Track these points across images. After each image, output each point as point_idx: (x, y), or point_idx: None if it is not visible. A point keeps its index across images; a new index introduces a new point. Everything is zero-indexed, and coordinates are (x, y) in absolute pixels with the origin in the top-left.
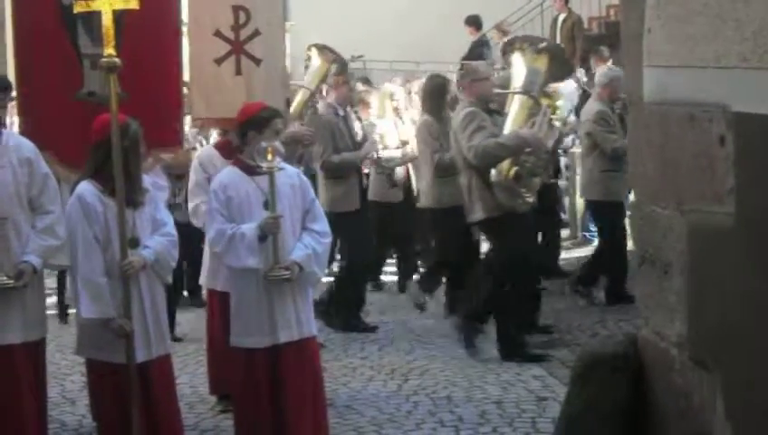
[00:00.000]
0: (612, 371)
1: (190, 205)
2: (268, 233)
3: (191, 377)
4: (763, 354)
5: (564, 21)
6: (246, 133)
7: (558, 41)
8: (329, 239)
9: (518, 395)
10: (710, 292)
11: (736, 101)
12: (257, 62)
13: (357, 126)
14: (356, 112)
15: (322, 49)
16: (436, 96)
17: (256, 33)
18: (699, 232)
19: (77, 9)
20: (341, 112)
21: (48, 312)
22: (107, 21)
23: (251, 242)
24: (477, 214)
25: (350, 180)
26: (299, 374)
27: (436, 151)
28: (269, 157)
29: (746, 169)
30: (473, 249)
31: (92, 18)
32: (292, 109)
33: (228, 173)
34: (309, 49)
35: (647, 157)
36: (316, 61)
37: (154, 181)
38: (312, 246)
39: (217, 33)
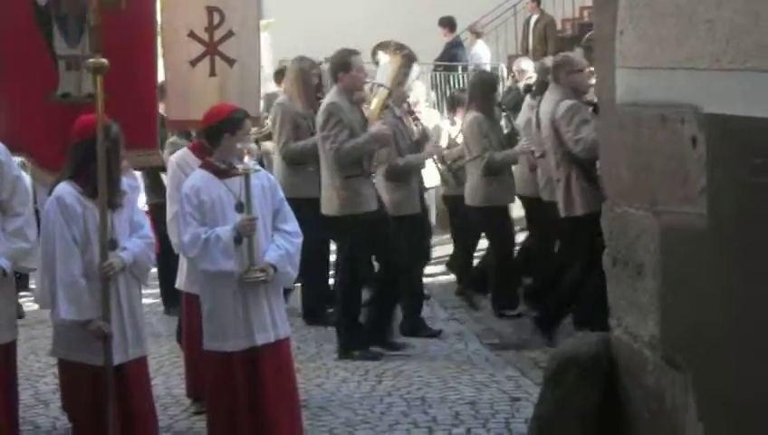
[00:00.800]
0: (585, 371)
1: (170, 211)
2: (244, 235)
3: (166, 378)
4: (735, 355)
5: (537, 22)
6: (221, 135)
7: (530, 42)
8: (300, 239)
9: (492, 396)
10: (682, 293)
11: (708, 103)
12: (231, 62)
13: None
14: (412, 114)
15: (387, 45)
16: (486, 92)
17: (230, 33)
18: (672, 233)
19: (64, 9)
20: (398, 113)
21: None
22: (95, 22)
23: (227, 245)
24: (576, 210)
25: (411, 183)
26: (277, 376)
27: (486, 149)
28: (245, 158)
29: (718, 170)
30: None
31: (67, 19)
32: (370, 109)
33: (199, 176)
34: (374, 54)
35: (619, 158)
36: (384, 58)
37: (128, 182)
38: (284, 247)
39: (191, 35)
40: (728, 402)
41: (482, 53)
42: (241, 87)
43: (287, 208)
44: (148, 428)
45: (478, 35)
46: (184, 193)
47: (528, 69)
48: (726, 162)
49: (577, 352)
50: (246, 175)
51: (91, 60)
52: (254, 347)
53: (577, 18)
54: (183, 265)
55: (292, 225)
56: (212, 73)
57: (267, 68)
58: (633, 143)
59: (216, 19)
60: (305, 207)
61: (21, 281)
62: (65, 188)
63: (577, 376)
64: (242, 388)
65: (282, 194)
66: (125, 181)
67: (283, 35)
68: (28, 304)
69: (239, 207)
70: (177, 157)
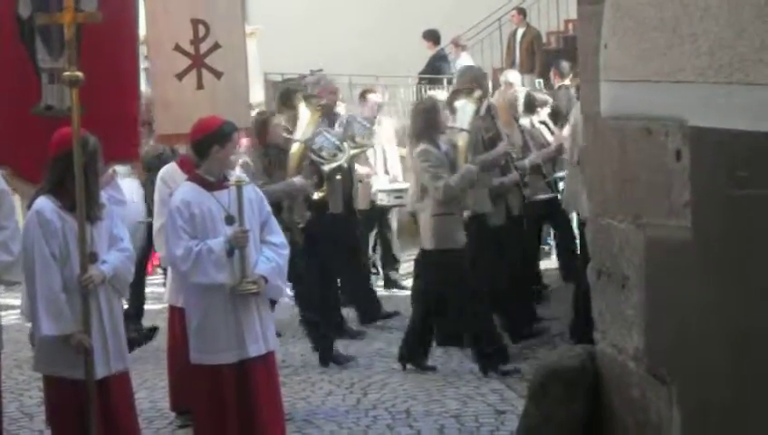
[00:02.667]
0: (570, 384)
1: (156, 224)
2: (236, 247)
3: (150, 392)
4: (719, 367)
5: (523, 36)
6: (210, 147)
7: (517, 55)
8: (287, 251)
9: (477, 409)
10: (667, 305)
11: (692, 116)
12: (218, 75)
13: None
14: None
15: None
16: None
17: (216, 46)
18: (656, 245)
19: (39, 21)
20: None
21: None
22: (69, 35)
23: (219, 257)
24: None
25: None
26: (267, 387)
27: None
28: (237, 170)
29: (702, 183)
30: None
31: (50, 31)
32: None
33: (188, 190)
34: None
35: (603, 171)
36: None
37: (111, 195)
38: (274, 260)
39: (177, 48)
40: (712, 415)
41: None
42: (230, 99)
43: (274, 221)
44: None
45: (462, 48)
46: (174, 206)
47: (516, 81)
48: (711, 175)
49: (562, 364)
50: (239, 187)
51: (67, 73)
52: (244, 360)
53: (562, 31)
54: (169, 278)
55: (279, 237)
56: (199, 86)
57: (254, 79)
58: (617, 156)
59: (202, 32)
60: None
61: None
62: (44, 202)
63: (562, 389)
64: (232, 401)
65: (269, 207)
66: (105, 194)
67: (268, 45)
68: (13, 316)
69: (229, 220)
70: (164, 171)
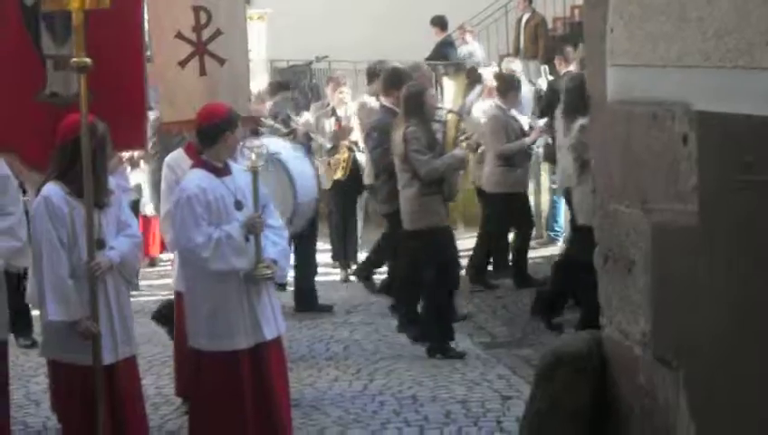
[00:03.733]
0: (576, 369)
1: (162, 209)
2: (253, 232)
3: (156, 378)
4: (726, 352)
5: (528, 21)
6: (222, 133)
7: (522, 41)
8: (287, 233)
9: (483, 394)
10: (673, 290)
11: (699, 100)
12: (221, 61)
13: None
14: None
15: None
16: None
17: (218, 32)
18: (662, 230)
19: (46, 7)
20: None
21: None
22: (77, 21)
23: (239, 244)
24: None
25: None
26: (280, 370)
27: None
28: (253, 156)
29: (709, 168)
30: None
31: (55, 18)
32: None
33: (201, 176)
34: None
35: (610, 156)
36: None
37: (118, 183)
38: (280, 244)
39: (179, 35)
40: (719, 400)
41: (476, 52)
42: (232, 86)
43: (271, 204)
44: (138, 427)
45: (470, 34)
46: (192, 193)
47: (516, 69)
48: (717, 160)
49: (568, 349)
50: (255, 172)
51: (75, 59)
52: (259, 343)
53: (568, 17)
54: (175, 264)
55: (277, 220)
56: (202, 73)
57: (261, 63)
58: (624, 141)
59: (204, 18)
60: None
61: None
62: (52, 188)
63: (568, 374)
64: (249, 385)
65: (266, 190)
66: (113, 180)
67: (276, 31)
68: None
69: (238, 205)
70: (170, 158)
